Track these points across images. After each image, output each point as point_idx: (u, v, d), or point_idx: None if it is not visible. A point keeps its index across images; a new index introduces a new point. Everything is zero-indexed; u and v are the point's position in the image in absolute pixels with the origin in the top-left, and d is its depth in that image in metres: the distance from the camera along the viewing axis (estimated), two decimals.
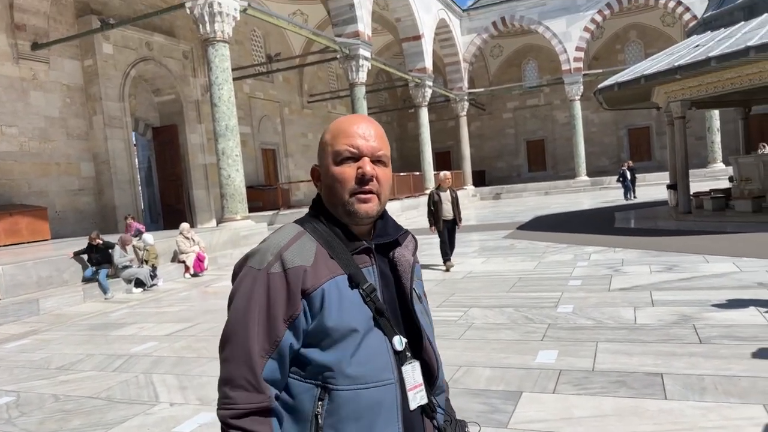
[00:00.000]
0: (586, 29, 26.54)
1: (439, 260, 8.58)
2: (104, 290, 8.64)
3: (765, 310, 4.66)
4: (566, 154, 31.22)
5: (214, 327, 5.98)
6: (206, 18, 11.45)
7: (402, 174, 22.17)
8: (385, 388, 1.05)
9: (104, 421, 3.63)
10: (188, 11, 11.65)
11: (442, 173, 8.62)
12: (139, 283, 9.11)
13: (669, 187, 14.41)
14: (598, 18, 26.46)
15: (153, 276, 9.39)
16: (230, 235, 11.83)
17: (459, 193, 8.87)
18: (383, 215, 1.17)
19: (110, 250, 9.05)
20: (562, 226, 12.87)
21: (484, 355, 4.23)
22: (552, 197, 25.08)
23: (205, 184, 17.46)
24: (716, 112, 24.14)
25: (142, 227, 12.65)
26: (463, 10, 28.70)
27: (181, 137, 16.99)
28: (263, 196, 19.79)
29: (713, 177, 22.27)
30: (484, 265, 8.49)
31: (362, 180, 1.09)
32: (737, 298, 5.16)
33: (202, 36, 11.86)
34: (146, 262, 9.63)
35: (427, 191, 21.92)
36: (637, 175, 20.35)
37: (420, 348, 1.15)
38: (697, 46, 10.82)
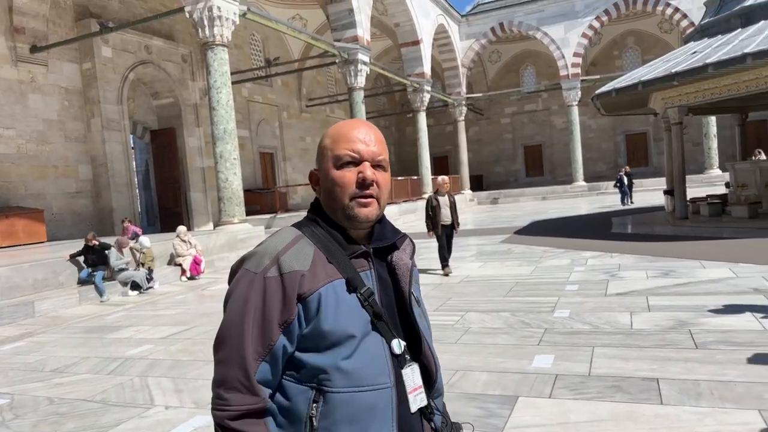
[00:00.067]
0: (584, 35, 26.67)
1: (437, 264, 8.58)
2: (100, 293, 8.61)
3: (761, 315, 4.67)
4: (564, 160, 31.29)
5: (211, 330, 5.97)
6: (205, 22, 11.47)
7: (400, 178, 22.20)
8: (381, 392, 1.05)
9: (99, 425, 3.61)
10: (187, 15, 11.67)
11: (440, 178, 8.57)
12: (135, 286, 9.09)
13: (666, 192, 14.46)
14: (596, 24, 26.59)
15: (149, 279, 9.37)
16: (227, 239, 11.81)
17: (456, 197, 8.87)
18: (381, 219, 1.17)
19: (106, 252, 9.02)
20: (560, 231, 12.89)
21: (481, 359, 4.23)
22: (549, 202, 25.12)
23: (203, 187, 17.45)
24: (713, 119, 24.26)
25: (139, 230, 12.62)
26: (462, 16, 28.81)
27: (179, 140, 16.99)
28: (261, 199, 19.79)
29: (710, 183, 22.33)
30: (481, 270, 8.49)
31: (363, 184, 1.09)
32: (733, 303, 5.17)
33: (201, 40, 11.88)
34: (143, 264, 9.61)
35: (425, 196, 21.94)
36: (634, 181, 20.42)
37: (419, 351, 1.15)
38: (695, 52, 10.87)
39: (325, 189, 1.13)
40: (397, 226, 1.24)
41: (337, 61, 17.71)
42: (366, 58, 17.83)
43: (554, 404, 3.27)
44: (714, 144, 25.16)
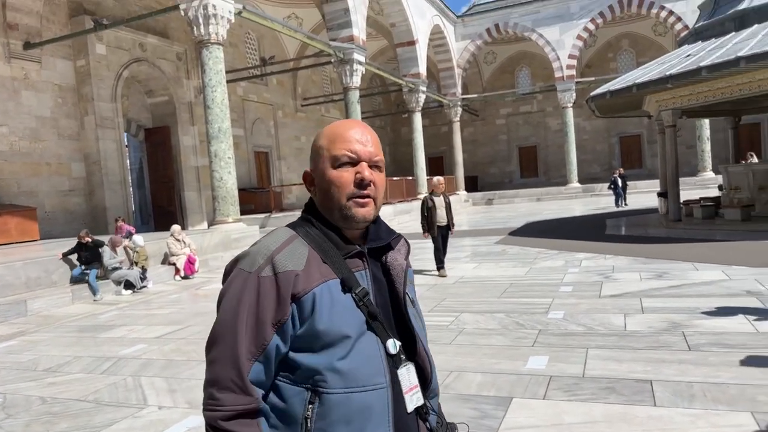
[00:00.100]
0: (579, 37, 26.77)
1: (431, 265, 8.58)
2: (94, 291, 8.56)
3: (753, 318, 4.70)
4: (558, 161, 31.40)
5: (204, 330, 5.95)
6: (200, 20, 11.42)
7: (395, 179, 22.19)
8: (377, 392, 1.05)
9: (92, 424, 3.59)
10: (182, 13, 11.62)
11: (435, 178, 8.52)
12: (129, 285, 9.04)
13: (659, 194, 14.54)
14: (591, 26, 26.69)
15: (143, 278, 9.33)
16: (221, 238, 11.78)
17: (451, 198, 8.86)
18: (376, 219, 1.18)
19: (100, 249, 8.97)
20: (554, 232, 12.93)
21: (475, 360, 4.23)
22: (544, 203, 25.19)
23: (197, 186, 17.39)
24: (707, 121, 24.40)
25: (132, 229, 12.56)
26: (458, 17, 28.85)
27: (174, 139, 16.92)
28: (255, 198, 19.74)
29: (703, 185, 22.47)
30: (475, 271, 8.50)
31: (361, 184, 1.10)
32: (726, 305, 5.20)
33: (196, 38, 11.83)
34: (136, 263, 9.57)
35: (420, 196, 21.98)
36: (628, 183, 20.50)
37: (413, 352, 1.15)
38: (689, 55, 10.93)
39: (322, 189, 1.12)
40: (392, 227, 1.24)
41: (332, 60, 17.69)
42: (362, 58, 17.82)
43: (548, 405, 3.28)
44: (707, 147, 25.31)
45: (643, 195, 22.54)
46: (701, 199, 13.19)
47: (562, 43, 26.88)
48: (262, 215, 17.30)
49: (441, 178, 8.53)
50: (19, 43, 12.89)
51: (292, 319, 1.03)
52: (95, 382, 4.49)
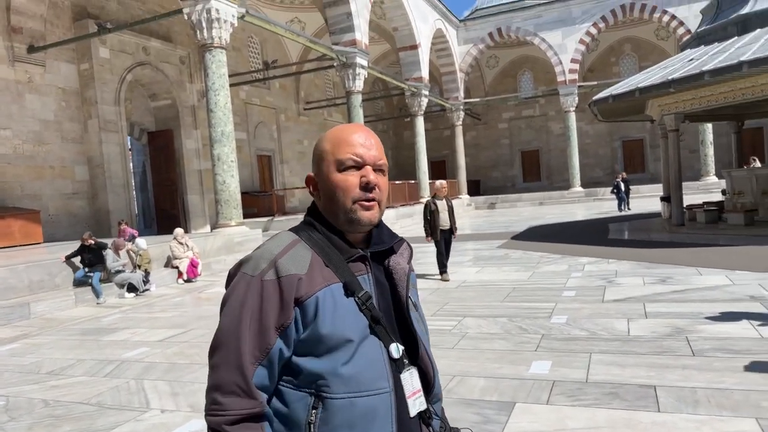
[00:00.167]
0: (581, 41, 26.79)
1: (434, 269, 8.56)
2: (97, 294, 8.57)
3: (758, 323, 4.69)
4: (561, 165, 31.39)
5: (207, 333, 5.95)
6: (204, 24, 11.47)
7: (397, 182, 22.22)
8: (380, 397, 1.04)
9: (94, 428, 3.59)
10: (186, 17, 11.68)
11: (437, 182, 8.48)
12: (132, 288, 9.06)
13: (662, 199, 14.51)
14: (593, 31, 26.72)
15: (146, 281, 9.33)
16: (224, 241, 11.79)
17: (454, 202, 8.84)
18: (378, 223, 1.18)
19: (103, 251, 8.99)
20: (557, 236, 12.91)
21: (478, 364, 4.22)
22: (546, 208, 25.17)
23: (200, 189, 17.42)
24: (709, 126, 24.38)
25: (135, 232, 12.59)
26: (460, 21, 28.91)
27: (177, 142, 16.96)
28: (258, 202, 19.76)
29: (706, 190, 22.43)
30: (478, 275, 8.49)
31: (366, 187, 1.10)
32: (730, 310, 5.18)
33: (199, 42, 11.88)
34: (139, 267, 9.58)
35: (422, 200, 21.98)
36: (631, 187, 20.48)
37: (416, 356, 1.15)
38: (691, 60, 10.93)
39: (326, 192, 1.13)
40: (394, 231, 1.24)
41: (335, 64, 17.73)
42: (364, 62, 17.86)
43: (551, 411, 3.27)
44: (710, 151, 25.28)
45: (646, 199, 22.51)
46: (704, 203, 13.16)
47: (565, 48, 26.90)
48: (265, 219, 17.31)
49: (444, 182, 8.49)
50: (23, 47, 12.95)
51: (296, 323, 1.03)
52: (98, 385, 4.49)
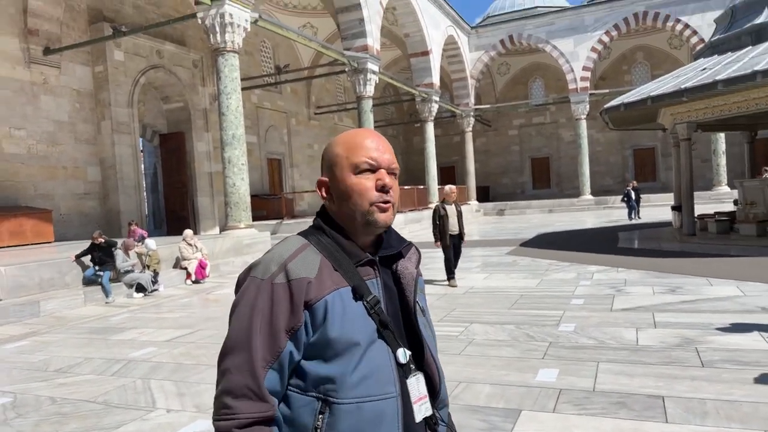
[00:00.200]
0: (593, 49, 26.71)
1: (442, 275, 8.54)
2: (107, 293, 8.64)
3: None
4: (571, 173, 31.25)
5: (214, 334, 5.97)
6: (217, 28, 11.57)
7: (407, 187, 22.22)
8: (387, 402, 1.04)
9: (100, 426, 3.61)
10: (200, 21, 11.79)
11: (447, 187, 8.43)
12: (141, 288, 9.11)
13: (673, 208, 14.39)
14: (606, 39, 26.64)
15: (154, 281, 9.39)
16: (233, 243, 11.84)
17: (463, 208, 8.81)
18: (387, 228, 1.18)
19: (113, 249, 9.06)
20: (566, 244, 12.84)
21: (485, 371, 4.20)
22: (556, 215, 25.05)
23: (210, 191, 17.52)
24: (722, 135, 24.18)
25: (145, 233, 12.67)
26: (472, 28, 28.94)
27: (188, 145, 17.09)
28: (267, 205, 19.84)
29: (718, 200, 22.22)
30: (486, 281, 8.46)
31: (382, 190, 1.11)
32: (740, 322, 5.12)
33: (212, 46, 11.98)
34: (148, 267, 9.64)
35: (431, 205, 21.97)
36: (641, 196, 20.34)
37: (423, 361, 1.15)
38: (704, 69, 10.86)
39: (342, 195, 1.12)
40: (402, 236, 1.24)
41: (346, 69, 17.81)
42: (375, 68, 17.92)
43: (558, 419, 3.25)
44: (722, 161, 25.07)
45: (657, 208, 22.34)
46: (716, 213, 13.04)
47: (576, 55, 26.84)
48: (274, 221, 17.38)
49: (453, 187, 8.44)
50: (39, 49, 13.13)
51: (305, 327, 1.03)
52: (105, 383, 4.52)
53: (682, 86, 10.23)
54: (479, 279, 8.70)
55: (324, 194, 1.16)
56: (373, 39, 17.85)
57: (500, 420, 3.27)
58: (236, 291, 1.11)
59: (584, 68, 26.82)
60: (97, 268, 8.84)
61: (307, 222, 1.27)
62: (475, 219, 26.01)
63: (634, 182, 21.30)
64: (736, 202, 13.44)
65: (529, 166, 34.15)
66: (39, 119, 13.20)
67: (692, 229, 12.02)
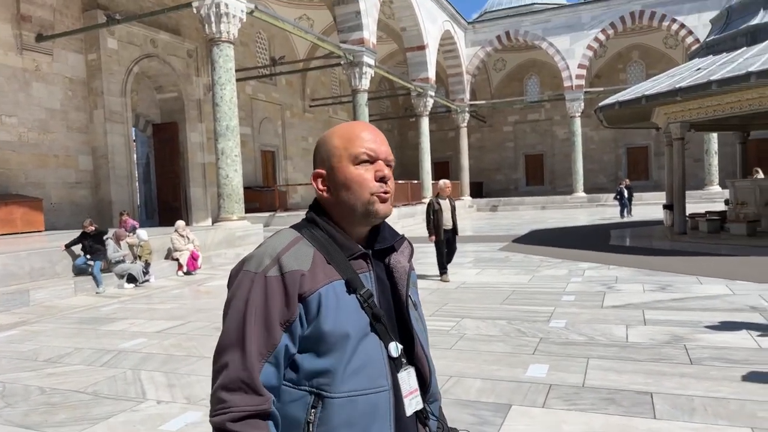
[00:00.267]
0: (589, 47, 26.76)
1: (434, 270, 8.54)
2: (98, 283, 8.59)
3: (757, 333, 4.67)
4: (564, 170, 31.37)
5: (205, 326, 5.96)
6: (212, 18, 11.48)
7: (400, 182, 22.20)
8: (379, 395, 1.04)
9: (90, 416, 3.60)
10: (195, 11, 11.69)
11: (441, 181, 8.42)
12: (131, 279, 9.07)
13: (665, 207, 14.49)
14: (602, 37, 26.68)
15: (145, 272, 9.35)
16: (225, 235, 11.80)
17: (456, 203, 8.81)
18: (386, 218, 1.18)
19: (104, 237, 9.01)
20: (558, 241, 12.90)
21: (475, 366, 4.22)
22: (548, 212, 25.15)
23: (203, 182, 17.44)
24: (715, 135, 24.33)
25: (136, 224, 12.60)
26: (469, 23, 28.89)
27: (181, 135, 16.98)
28: (260, 197, 19.78)
29: (709, 199, 22.38)
30: (478, 277, 8.49)
31: (382, 180, 1.12)
32: (729, 320, 5.17)
33: (207, 36, 11.89)
34: (140, 257, 9.60)
35: (425, 200, 21.98)
36: (634, 194, 20.45)
37: (413, 355, 1.15)
38: (699, 69, 10.91)
39: (341, 186, 1.11)
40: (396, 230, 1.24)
41: (342, 62, 17.74)
42: (371, 61, 17.86)
43: (547, 414, 3.27)
44: (715, 161, 25.23)
45: (649, 207, 22.47)
46: (707, 212, 13.14)
47: (572, 53, 26.88)
48: (267, 214, 17.33)
49: (447, 182, 8.41)
50: (32, 35, 12.97)
51: (300, 320, 1.02)
52: (95, 374, 4.50)
53: (677, 86, 10.27)
54: (471, 274, 8.73)
55: (320, 186, 1.15)
56: (370, 32, 17.78)
57: (490, 414, 3.29)
58: (229, 285, 1.10)
59: (580, 66, 26.87)
60: (88, 256, 8.78)
61: (300, 215, 1.26)
62: (468, 215, 26.06)
63: (627, 180, 21.41)
64: (727, 202, 13.56)
65: (523, 163, 34.23)
66: (31, 107, 13.06)
67: (683, 227, 12.11)
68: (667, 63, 27.24)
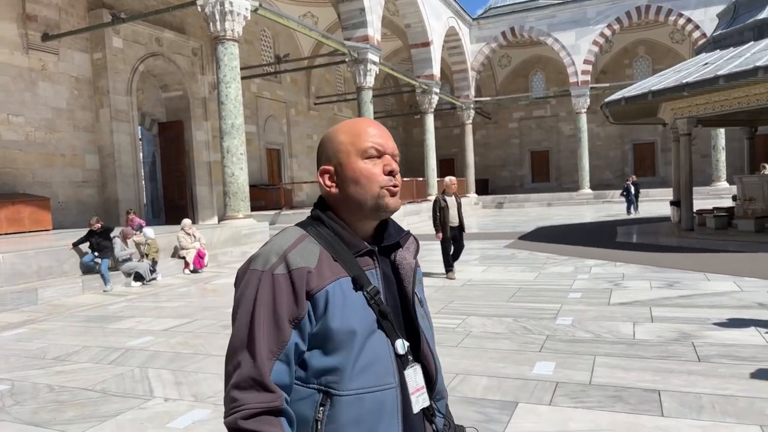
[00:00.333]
0: (594, 43, 26.61)
1: (440, 267, 8.52)
2: (105, 281, 8.63)
3: (765, 330, 4.64)
4: (570, 166, 31.24)
5: (212, 324, 5.98)
6: (217, 16, 11.49)
7: (406, 179, 22.18)
8: (387, 393, 1.04)
9: (98, 414, 3.62)
10: (199, 9, 11.71)
11: (447, 178, 8.36)
12: (139, 277, 9.11)
13: (672, 203, 14.41)
14: (608, 32, 26.52)
15: (152, 270, 9.39)
16: (231, 233, 11.84)
17: (462, 200, 8.78)
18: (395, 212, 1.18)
19: (111, 235, 9.06)
20: (564, 237, 12.86)
21: (482, 363, 4.21)
22: (554, 209, 25.06)
23: (209, 181, 17.49)
24: (722, 131, 24.16)
25: (143, 222, 12.66)
26: (473, 19, 28.79)
27: (187, 134, 17.03)
28: (266, 195, 19.82)
29: (717, 195, 22.25)
30: (484, 274, 8.47)
31: (391, 174, 1.12)
32: (737, 317, 5.14)
33: (212, 34, 11.91)
34: (146, 256, 9.64)
35: (430, 197, 21.97)
36: (640, 190, 20.35)
37: (419, 352, 1.14)
38: (706, 64, 10.82)
39: (350, 181, 1.11)
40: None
41: (346, 59, 17.72)
42: (376, 58, 17.84)
43: (554, 411, 3.26)
44: (722, 156, 25.06)
45: (656, 203, 22.37)
46: (714, 208, 13.06)
47: (578, 48, 26.73)
48: (272, 212, 17.37)
49: (453, 178, 8.35)
50: (38, 35, 13.03)
51: (308, 317, 1.02)
52: (103, 372, 4.52)
53: (684, 81, 10.20)
54: (477, 272, 8.71)
55: (328, 183, 1.14)
56: (374, 29, 17.75)
57: (497, 412, 3.28)
58: (236, 285, 1.09)
59: (585, 62, 26.72)
60: (95, 254, 8.82)
61: (306, 212, 1.26)
62: (474, 212, 26.01)
63: (634, 177, 21.29)
64: (734, 198, 13.45)
65: (529, 160, 34.12)
66: (37, 106, 13.13)
67: (691, 224, 12.04)
68: (674, 58, 27.05)
